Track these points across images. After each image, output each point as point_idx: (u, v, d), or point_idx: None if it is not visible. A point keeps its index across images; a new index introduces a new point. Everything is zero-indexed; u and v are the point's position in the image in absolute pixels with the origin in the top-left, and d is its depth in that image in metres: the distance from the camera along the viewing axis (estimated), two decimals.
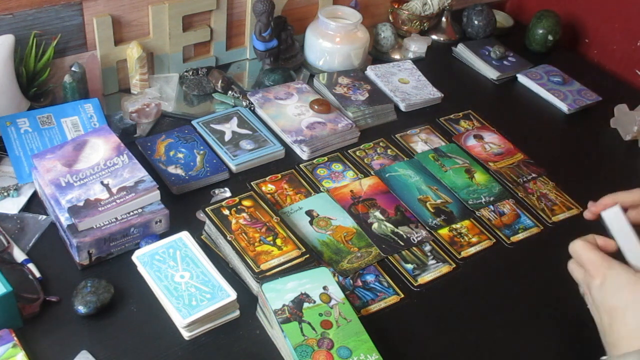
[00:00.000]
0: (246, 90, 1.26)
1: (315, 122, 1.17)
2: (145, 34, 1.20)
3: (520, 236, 1.04)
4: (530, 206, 1.09)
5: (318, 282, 0.85)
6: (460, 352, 0.86)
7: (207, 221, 0.94)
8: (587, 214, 0.90)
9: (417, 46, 1.46)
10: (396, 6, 1.51)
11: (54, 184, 0.89)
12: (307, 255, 0.90)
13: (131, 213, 0.90)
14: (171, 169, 1.05)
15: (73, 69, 1.11)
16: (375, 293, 0.91)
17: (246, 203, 0.96)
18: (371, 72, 1.34)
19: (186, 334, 0.81)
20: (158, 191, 0.91)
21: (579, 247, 0.82)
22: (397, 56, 1.45)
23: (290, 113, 1.19)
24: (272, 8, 1.22)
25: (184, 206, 0.99)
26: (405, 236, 1.00)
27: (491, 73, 1.43)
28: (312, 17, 1.39)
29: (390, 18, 1.52)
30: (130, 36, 1.18)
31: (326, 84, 1.28)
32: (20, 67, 1.06)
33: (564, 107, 1.35)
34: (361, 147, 1.17)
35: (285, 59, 1.34)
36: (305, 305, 0.82)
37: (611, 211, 0.85)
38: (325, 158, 1.14)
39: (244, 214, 0.94)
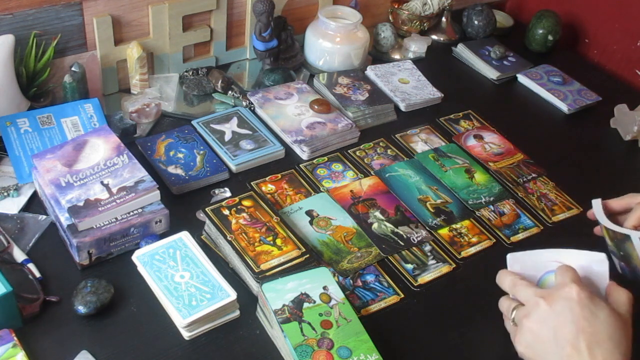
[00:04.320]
0: (246, 90, 1.26)
1: (315, 122, 1.17)
2: (145, 34, 1.20)
3: (520, 236, 1.04)
4: (530, 206, 1.09)
5: (318, 282, 0.85)
6: (460, 352, 0.86)
7: (207, 221, 0.94)
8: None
9: (417, 46, 1.46)
10: (396, 6, 1.51)
11: (54, 184, 0.89)
12: (307, 255, 0.90)
13: (131, 213, 0.90)
14: (171, 169, 1.05)
15: (73, 69, 1.11)
16: (375, 293, 0.91)
17: (246, 203, 0.96)
18: (371, 72, 1.34)
19: (186, 334, 0.82)
20: (158, 191, 0.91)
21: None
22: (397, 56, 1.45)
23: (290, 113, 1.19)
24: (272, 8, 1.22)
25: (184, 206, 0.99)
26: (405, 236, 1.00)
27: (491, 73, 1.43)
28: (312, 17, 1.39)
29: (390, 18, 1.52)
30: (130, 36, 1.18)
31: (326, 84, 1.28)
32: (20, 67, 1.06)
33: (564, 107, 1.35)
34: (361, 147, 1.17)
35: (285, 59, 1.34)
36: (305, 305, 0.82)
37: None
38: (325, 158, 1.14)
39: (244, 214, 0.94)
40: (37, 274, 0.85)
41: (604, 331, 0.72)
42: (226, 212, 0.94)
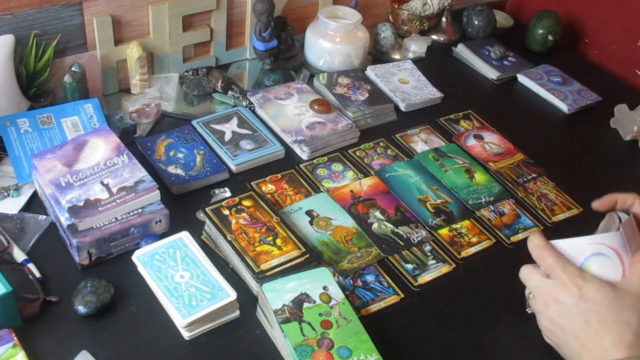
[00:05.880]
0: (246, 90, 1.26)
1: (315, 122, 1.17)
2: (145, 34, 1.20)
3: (520, 236, 1.03)
4: (530, 206, 1.09)
5: (318, 282, 0.85)
6: (460, 352, 0.86)
7: (207, 221, 0.94)
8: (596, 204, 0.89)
9: (417, 46, 1.46)
10: (396, 6, 1.51)
11: (54, 184, 0.89)
12: (307, 255, 0.90)
13: (131, 213, 0.90)
14: (171, 169, 1.05)
15: (73, 69, 1.11)
16: (375, 293, 0.91)
17: (246, 203, 0.96)
18: (371, 72, 1.34)
19: (186, 334, 0.82)
20: (158, 191, 0.91)
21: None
22: (397, 56, 1.45)
23: (290, 113, 1.19)
24: (272, 8, 1.22)
25: (184, 206, 0.99)
26: (405, 236, 1.00)
27: (491, 73, 1.43)
28: (312, 17, 1.39)
29: (390, 18, 1.52)
30: (130, 36, 1.18)
31: (326, 84, 1.28)
32: (20, 67, 1.06)
33: (564, 107, 1.35)
34: (361, 147, 1.17)
35: (285, 59, 1.34)
36: (305, 305, 0.82)
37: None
38: (325, 158, 1.14)
39: (244, 214, 0.94)
40: (37, 274, 0.85)
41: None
42: (226, 212, 0.94)
